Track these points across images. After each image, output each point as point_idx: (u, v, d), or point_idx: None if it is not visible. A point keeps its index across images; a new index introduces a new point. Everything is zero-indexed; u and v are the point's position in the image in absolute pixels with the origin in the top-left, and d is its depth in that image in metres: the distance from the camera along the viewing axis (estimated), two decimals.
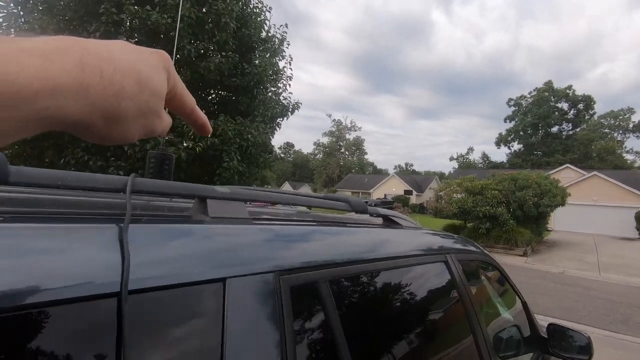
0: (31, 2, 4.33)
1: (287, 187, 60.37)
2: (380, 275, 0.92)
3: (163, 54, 0.31)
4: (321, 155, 60.19)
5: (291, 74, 6.38)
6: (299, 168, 72.53)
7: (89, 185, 0.50)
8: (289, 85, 6.31)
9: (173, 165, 1.16)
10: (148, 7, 4.58)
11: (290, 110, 6.32)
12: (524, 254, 11.91)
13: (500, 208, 12.29)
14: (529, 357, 1.67)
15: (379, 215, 1.19)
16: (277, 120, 6.17)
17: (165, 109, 0.32)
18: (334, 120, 60.08)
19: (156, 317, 0.44)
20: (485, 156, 54.30)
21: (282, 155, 77.77)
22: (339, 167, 54.44)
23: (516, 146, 45.68)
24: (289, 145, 79.66)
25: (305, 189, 57.59)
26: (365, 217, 1.29)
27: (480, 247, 1.73)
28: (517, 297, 1.87)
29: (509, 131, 45.47)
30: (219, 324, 0.50)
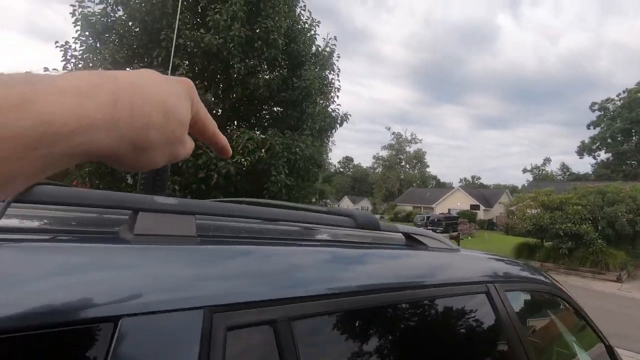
0: (106, 35, 4.88)
1: (346, 201, 60.28)
2: (383, 311, 0.72)
3: (187, 82, 0.32)
4: (381, 169, 59.26)
5: (339, 85, 6.31)
6: (358, 182, 72.14)
7: None
8: (337, 97, 6.24)
9: (167, 176, 1.07)
10: (202, 30, 4.88)
11: (338, 122, 6.22)
12: (618, 280, 10.20)
13: (584, 225, 10.77)
14: None
15: (398, 232, 0.97)
16: (327, 133, 6.10)
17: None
18: (393, 133, 58.90)
19: None
20: (564, 167, 48.94)
21: (342, 170, 78.17)
22: (399, 180, 53.01)
23: (603, 155, 40.23)
24: (348, 160, 79.89)
25: (364, 204, 56.93)
26: (380, 235, 1.09)
27: (548, 276, 1.40)
28: (600, 340, 1.49)
29: (593, 139, 40.32)
30: None
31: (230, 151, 0.40)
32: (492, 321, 0.94)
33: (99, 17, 5.02)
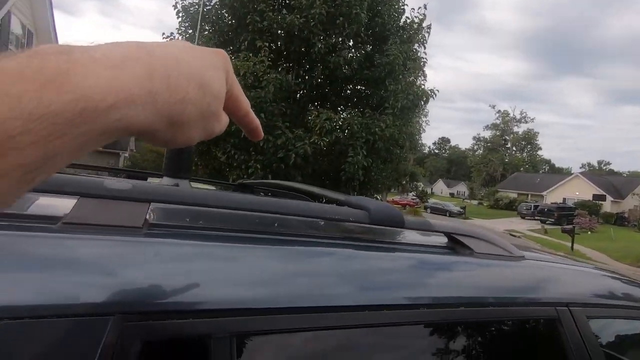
0: (202, 24, 5.31)
1: (440, 184, 57.09)
2: (387, 332, 0.57)
3: (222, 53, 0.31)
4: (481, 151, 54.08)
5: (426, 59, 5.75)
6: (455, 165, 67.42)
7: None
8: (423, 72, 5.71)
9: (191, 156, 1.05)
10: (284, 11, 4.93)
11: (424, 100, 5.71)
12: None
13: None
14: None
15: (434, 231, 0.78)
16: (411, 112, 5.66)
17: None
18: (498, 111, 52.72)
19: None
20: None
21: (436, 151, 73.88)
22: (502, 164, 47.75)
23: None
24: (444, 141, 74.94)
25: (460, 188, 53.09)
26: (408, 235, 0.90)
27: None
28: None
29: None
30: None
31: (262, 134, 0.38)
32: (552, 354, 0.70)
33: (196, 7, 5.48)
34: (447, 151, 72.85)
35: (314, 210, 0.62)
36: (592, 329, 0.77)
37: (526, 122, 51.61)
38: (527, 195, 35.24)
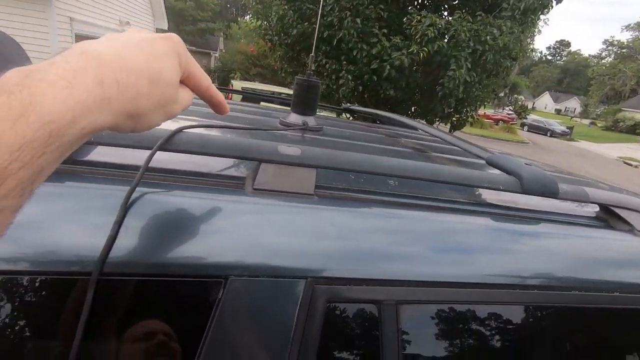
0: None
1: (545, 98, 49.49)
2: (524, 313, 0.58)
3: (172, 38, 0.32)
4: (611, 59, 44.09)
5: None
6: (570, 75, 56.81)
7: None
8: None
9: (318, 94, 1.06)
10: None
11: None
12: None
13: None
14: None
15: (588, 202, 0.71)
16: (535, 15, 4.61)
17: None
18: None
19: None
20: None
21: (550, 58, 62.28)
22: (637, 76, 38.74)
23: None
24: (562, 45, 62.10)
25: (571, 104, 45.57)
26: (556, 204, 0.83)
27: None
28: None
29: None
30: (204, 326, 0.43)
31: (227, 108, 0.39)
32: None
33: None
34: (564, 58, 60.87)
35: (467, 178, 0.60)
36: None
37: None
38: None
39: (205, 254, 0.44)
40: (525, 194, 0.61)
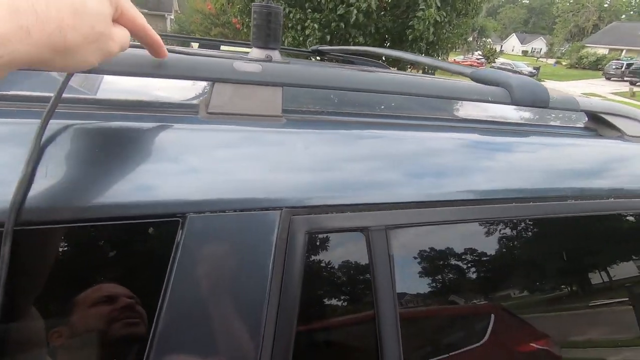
0: None
1: (513, 40, 49.72)
2: (523, 226, 0.55)
3: None
4: None
5: None
6: (536, 15, 56.83)
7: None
8: None
9: (281, 22, 0.94)
10: None
11: None
12: None
13: None
14: None
15: (579, 111, 0.67)
16: None
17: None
18: None
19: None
20: None
21: None
22: (599, 11, 39.14)
23: None
24: None
25: (537, 44, 46.07)
26: (544, 114, 0.79)
27: None
28: None
29: None
30: (162, 275, 0.36)
31: (165, 52, 0.38)
32: None
33: None
34: None
35: (453, 90, 0.53)
36: None
37: None
38: (621, 51, 29.76)
39: (153, 191, 0.36)
40: (515, 104, 0.56)
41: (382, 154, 0.47)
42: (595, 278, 0.61)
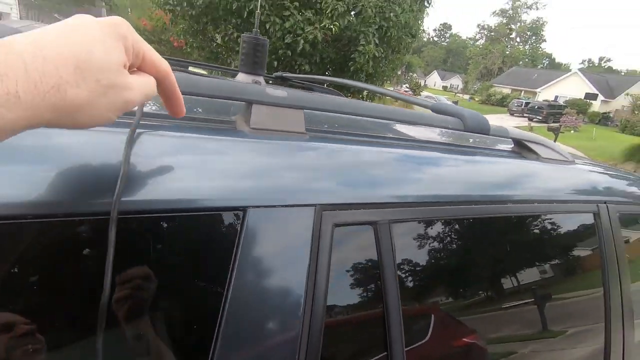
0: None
1: (434, 76, 55.17)
2: (483, 225, 0.71)
3: (114, 21, 0.28)
4: (483, 41, 50.93)
5: None
6: (453, 55, 64.08)
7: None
8: None
9: (266, 52, 1.04)
10: None
11: None
12: None
13: None
14: None
15: (508, 137, 0.87)
16: None
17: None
18: None
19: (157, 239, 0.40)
20: None
21: (435, 39, 69.10)
22: (502, 57, 45.61)
23: None
24: (445, 27, 69.39)
25: (455, 81, 51.72)
26: (486, 139, 0.99)
27: None
28: None
29: None
30: (230, 255, 0.44)
31: (183, 110, 0.37)
32: (594, 245, 0.88)
33: None
34: (447, 39, 68.20)
35: (425, 118, 0.69)
36: (619, 222, 0.94)
37: (537, 8, 47.49)
38: (521, 91, 34.83)
39: (223, 188, 0.44)
40: (467, 131, 0.73)
41: (383, 163, 0.61)
42: (519, 269, 0.80)
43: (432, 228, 0.64)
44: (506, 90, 35.52)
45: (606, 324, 0.88)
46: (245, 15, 4.55)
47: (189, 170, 0.44)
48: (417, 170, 0.65)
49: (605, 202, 0.93)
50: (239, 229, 0.44)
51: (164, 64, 0.32)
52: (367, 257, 0.56)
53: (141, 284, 0.39)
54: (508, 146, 0.95)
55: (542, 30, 48.93)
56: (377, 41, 4.64)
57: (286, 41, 4.53)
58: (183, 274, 0.42)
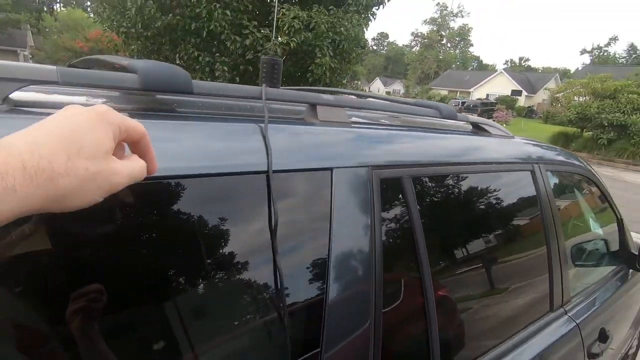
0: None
1: (377, 83, 57.62)
2: (461, 178, 1.03)
3: (99, 109, 0.31)
4: (418, 48, 54.41)
5: None
6: (393, 62, 67.44)
7: (235, 94, 0.69)
8: None
9: (281, 70, 1.32)
10: None
11: None
12: None
13: (634, 116, 10.25)
14: (609, 269, 1.71)
15: (468, 122, 1.22)
16: (373, 9, 5.68)
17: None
18: (437, 4, 51.88)
19: (289, 190, 0.65)
20: (632, 48, 42.68)
21: (375, 48, 72.37)
22: (437, 61, 49.07)
23: None
24: (382, 36, 73.06)
25: (397, 86, 54.46)
26: (454, 123, 1.34)
27: (582, 161, 1.66)
28: (613, 212, 1.81)
29: None
30: (329, 199, 0.70)
31: (155, 169, 0.37)
32: (534, 194, 1.24)
33: None
34: (385, 48, 71.76)
35: (414, 110, 1.00)
36: (548, 176, 1.32)
37: (462, 16, 51.88)
38: (457, 92, 37.65)
39: (313, 156, 0.71)
40: (444, 119, 1.06)
41: (405, 135, 0.90)
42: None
43: (434, 182, 0.95)
44: (444, 92, 38.19)
45: (545, 231, 1.23)
46: (204, 34, 4.72)
47: (299, 145, 0.70)
48: (418, 143, 0.96)
49: (537, 163, 1.31)
50: (330, 181, 0.71)
51: (138, 129, 0.34)
52: (400, 202, 0.85)
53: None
54: (469, 127, 1.29)
55: (469, 36, 53.62)
56: (331, 53, 5.04)
57: (247, 57, 4.76)
58: (302, 216, 0.67)
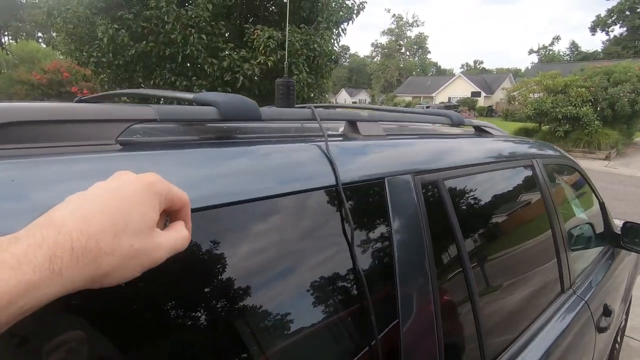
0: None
1: (343, 94, 58.72)
2: (482, 177, 1.13)
3: (148, 178, 0.30)
4: (379, 58, 56.20)
5: None
6: (356, 73, 69.13)
7: (292, 117, 0.76)
8: None
9: (295, 90, 1.39)
10: None
11: (355, 12, 5.96)
12: (607, 158, 11.00)
13: (584, 108, 11.07)
14: (598, 250, 1.87)
15: (472, 126, 1.33)
16: (342, 26, 5.91)
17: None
18: (393, 15, 54.13)
19: (357, 200, 0.72)
20: (574, 46, 46.16)
21: (337, 60, 73.93)
22: (398, 70, 50.82)
23: (618, 30, 37.80)
24: (344, 49, 74.88)
25: (362, 96, 55.71)
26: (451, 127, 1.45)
27: (562, 151, 1.82)
28: (595, 197, 1.98)
29: (610, 11, 37.31)
30: (386, 205, 0.77)
31: (186, 242, 0.34)
32: (536, 186, 1.37)
33: None
34: (348, 59, 73.56)
35: (428, 118, 1.10)
36: (544, 169, 1.45)
37: (417, 25, 54.28)
38: (420, 97, 39.04)
39: (368, 168, 0.78)
40: (454, 125, 1.16)
41: (437, 146, 0.99)
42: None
43: (462, 183, 1.04)
44: (408, 98, 39.50)
45: (549, 218, 1.35)
46: (179, 60, 4.72)
47: (353, 159, 0.76)
48: (446, 149, 1.05)
49: (535, 158, 1.44)
50: (385, 190, 0.78)
51: (183, 198, 0.33)
52: (438, 202, 0.93)
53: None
54: (471, 130, 1.41)
55: (426, 43, 56.12)
56: (307, 69, 5.17)
57: (225, 79, 4.79)
58: (369, 222, 0.74)
